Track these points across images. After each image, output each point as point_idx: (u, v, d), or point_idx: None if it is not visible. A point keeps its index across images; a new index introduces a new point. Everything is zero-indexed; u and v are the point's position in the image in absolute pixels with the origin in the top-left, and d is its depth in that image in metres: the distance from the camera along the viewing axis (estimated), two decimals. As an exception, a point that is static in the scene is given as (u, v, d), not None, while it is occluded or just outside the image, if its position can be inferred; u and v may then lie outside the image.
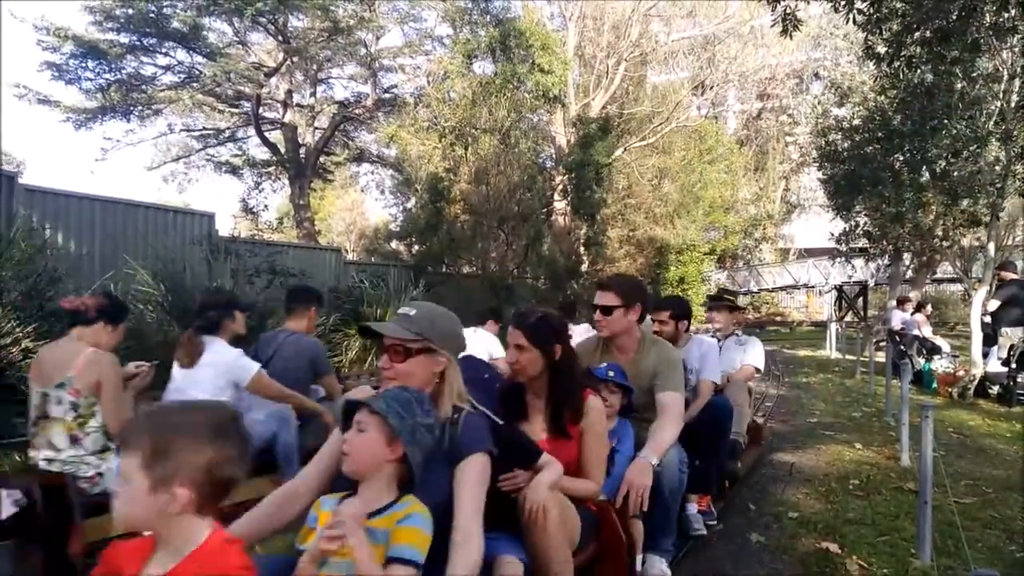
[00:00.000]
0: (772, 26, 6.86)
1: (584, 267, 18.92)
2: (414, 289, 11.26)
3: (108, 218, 9.63)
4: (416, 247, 16.89)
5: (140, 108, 20.51)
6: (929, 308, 12.96)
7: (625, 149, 21.92)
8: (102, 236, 9.46)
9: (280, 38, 20.21)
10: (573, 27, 20.33)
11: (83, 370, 3.03)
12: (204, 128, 24.80)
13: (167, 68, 19.97)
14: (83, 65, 18.21)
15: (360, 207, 35.78)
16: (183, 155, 25.86)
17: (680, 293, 22.11)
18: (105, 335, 3.22)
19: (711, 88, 25.65)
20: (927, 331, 11.19)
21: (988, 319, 9.63)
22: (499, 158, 15.58)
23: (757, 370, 4.99)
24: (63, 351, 3.12)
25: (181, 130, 24.36)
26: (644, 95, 23.52)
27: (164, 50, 19.18)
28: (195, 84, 19.92)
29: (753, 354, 4.98)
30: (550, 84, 16.42)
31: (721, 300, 5.46)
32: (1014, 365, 8.50)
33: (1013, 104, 9.25)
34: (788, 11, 6.43)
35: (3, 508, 2.71)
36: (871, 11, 6.63)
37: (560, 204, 18.42)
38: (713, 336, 5.04)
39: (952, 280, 20.75)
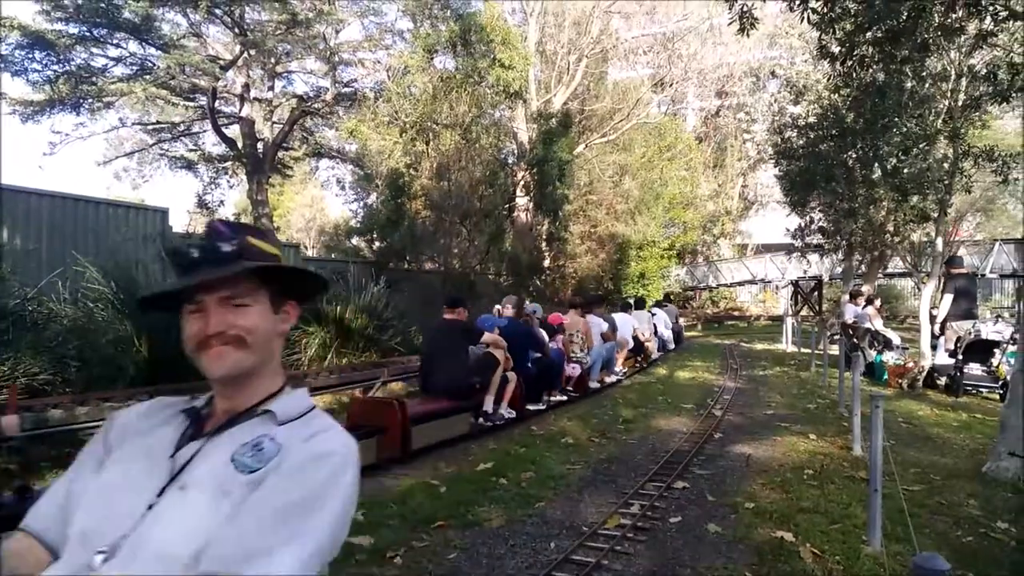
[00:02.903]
0: (729, 24, 6.92)
1: (546, 263, 19.00)
2: (375, 285, 11.17)
3: (57, 214, 9.35)
4: (377, 243, 16.71)
5: (90, 101, 19.84)
6: (880, 302, 13.28)
7: (587, 146, 22.04)
8: (50, 232, 9.18)
9: (237, 31, 19.76)
10: (534, 23, 20.32)
11: None
12: (158, 122, 24.15)
13: (118, 60, 19.37)
14: (30, 56, 17.57)
15: (320, 203, 35.28)
16: (136, 150, 25.18)
17: (640, 289, 22.34)
18: None
19: (671, 85, 25.94)
20: (879, 324, 11.46)
21: (936, 312, 9.92)
22: (460, 153, 15.48)
23: None
24: None
25: (134, 124, 23.69)
26: (605, 92, 23.67)
27: (115, 41, 18.59)
28: (148, 77, 19.35)
29: None
30: (511, 80, 16.41)
31: None
32: (960, 357, 8.77)
33: (960, 103, 9.54)
34: (745, 9, 6.50)
35: None
36: (824, 10, 6.74)
37: (522, 200, 18.44)
38: None
39: (903, 274, 21.28)
